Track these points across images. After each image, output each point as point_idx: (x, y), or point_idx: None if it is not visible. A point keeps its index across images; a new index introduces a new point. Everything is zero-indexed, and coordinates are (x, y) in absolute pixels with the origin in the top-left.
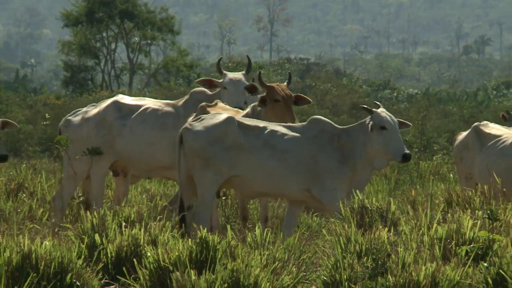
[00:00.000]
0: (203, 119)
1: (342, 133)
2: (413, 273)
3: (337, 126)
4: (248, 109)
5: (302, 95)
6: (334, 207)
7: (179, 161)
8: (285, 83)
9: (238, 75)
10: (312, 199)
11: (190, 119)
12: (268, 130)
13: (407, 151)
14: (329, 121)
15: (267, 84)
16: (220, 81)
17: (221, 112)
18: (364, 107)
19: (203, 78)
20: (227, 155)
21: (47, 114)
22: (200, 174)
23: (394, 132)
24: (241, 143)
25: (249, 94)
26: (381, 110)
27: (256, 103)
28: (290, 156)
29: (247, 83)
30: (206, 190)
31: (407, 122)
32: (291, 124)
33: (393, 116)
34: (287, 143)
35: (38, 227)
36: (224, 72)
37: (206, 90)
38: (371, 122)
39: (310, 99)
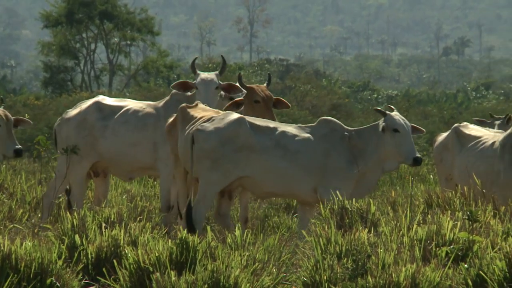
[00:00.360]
0: (214, 120)
1: (353, 134)
2: (393, 274)
3: (347, 127)
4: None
5: (281, 99)
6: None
7: (192, 162)
8: (265, 84)
9: (211, 75)
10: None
11: (170, 120)
12: (279, 130)
13: (418, 155)
14: (338, 121)
15: (247, 85)
16: (194, 82)
17: (231, 112)
18: (377, 109)
19: (178, 81)
20: (236, 156)
21: (26, 115)
22: (207, 174)
23: (407, 135)
24: (252, 144)
25: (224, 93)
26: (395, 113)
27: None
28: (302, 156)
29: (220, 83)
30: (209, 190)
31: (421, 128)
32: (300, 125)
33: (406, 120)
34: (299, 143)
35: (18, 226)
36: (198, 72)
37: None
38: (383, 124)
39: (289, 104)
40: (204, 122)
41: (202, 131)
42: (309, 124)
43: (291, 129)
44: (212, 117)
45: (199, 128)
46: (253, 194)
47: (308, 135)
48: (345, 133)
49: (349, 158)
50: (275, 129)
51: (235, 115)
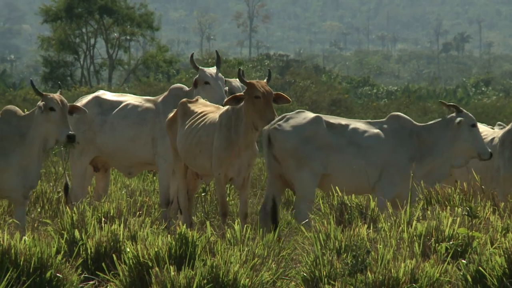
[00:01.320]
0: (289, 119)
1: (422, 130)
2: (392, 270)
3: (416, 122)
4: (228, 106)
5: (282, 94)
6: (385, 202)
7: (268, 161)
8: (265, 80)
9: (215, 70)
10: None
11: (171, 115)
12: (350, 127)
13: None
14: (408, 117)
15: (247, 81)
16: (196, 77)
17: (304, 111)
18: (453, 104)
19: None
20: (318, 154)
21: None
22: (297, 175)
23: (479, 131)
24: (328, 143)
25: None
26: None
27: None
28: (372, 152)
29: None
30: (307, 189)
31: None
32: (370, 120)
33: None
34: (370, 139)
35: (17, 222)
36: (200, 67)
37: (184, 86)
38: (462, 120)
39: (289, 98)
40: (279, 121)
41: (280, 130)
42: (379, 120)
43: (361, 125)
44: (286, 115)
45: (276, 127)
46: (326, 192)
47: (378, 130)
48: (414, 129)
49: (412, 155)
50: (347, 126)
51: (310, 114)
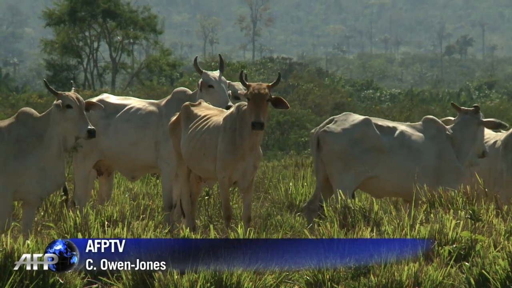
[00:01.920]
0: (337, 121)
1: (451, 132)
2: (395, 273)
3: (444, 125)
4: (232, 109)
5: (281, 98)
6: None
7: (317, 164)
8: (272, 83)
9: (219, 73)
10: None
11: (174, 118)
12: (398, 130)
13: None
14: (439, 120)
15: (247, 83)
16: (200, 80)
17: (351, 113)
18: (477, 106)
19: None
20: (366, 156)
21: None
22: (340, 176)
23: None
24: (379, 145)
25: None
26: None
27: (242, 102)
28: (421, 156)
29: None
30: (346, 191)
31: None
32: (410, 123)
33: None
34: (418, 143)
35: (23, 225)
36: (204, 71)
37: (187, 89)
38: (480, 120)
39: (288, 104)
40: (327, 123)
41: (330, 132)
42: (416, 123)
43: (405, 128)
44: (333, 118)
45: (326, 129)
46: (371, 193)
47: (422, 134)
48: (446, 131)
49: (457, 157)
50: (394, 128)
51: (359, 116)
